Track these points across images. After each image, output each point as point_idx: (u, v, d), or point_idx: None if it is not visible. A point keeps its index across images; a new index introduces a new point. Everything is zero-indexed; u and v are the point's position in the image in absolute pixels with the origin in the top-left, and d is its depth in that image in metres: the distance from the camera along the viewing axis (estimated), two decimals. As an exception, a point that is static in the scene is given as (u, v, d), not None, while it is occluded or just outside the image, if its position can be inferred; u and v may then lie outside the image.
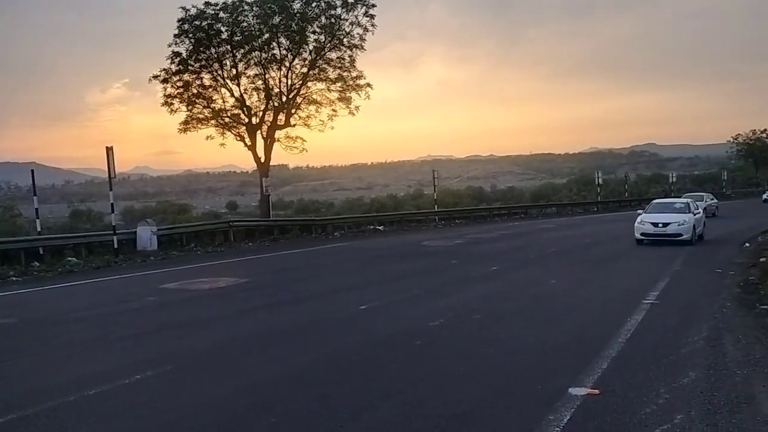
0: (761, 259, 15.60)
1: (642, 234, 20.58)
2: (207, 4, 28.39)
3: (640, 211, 22.47)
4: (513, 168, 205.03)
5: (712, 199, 31.00)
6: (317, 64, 30.35)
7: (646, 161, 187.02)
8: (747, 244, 19.93)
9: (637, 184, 74.48)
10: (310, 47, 30.03)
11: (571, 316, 9.72)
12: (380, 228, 32.34)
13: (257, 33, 29.36)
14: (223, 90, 30.25)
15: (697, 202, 24.34)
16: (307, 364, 7.05)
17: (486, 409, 5.44)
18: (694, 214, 21.11)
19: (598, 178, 53.84)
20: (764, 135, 74.40)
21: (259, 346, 8.03)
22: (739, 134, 76.48)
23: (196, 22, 28.70)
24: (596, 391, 5.78)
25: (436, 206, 38.63)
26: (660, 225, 20.33)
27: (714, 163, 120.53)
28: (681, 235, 20.06)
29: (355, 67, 30.62)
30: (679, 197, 28.68)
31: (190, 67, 29.63)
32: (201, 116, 30.36)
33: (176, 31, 28.80)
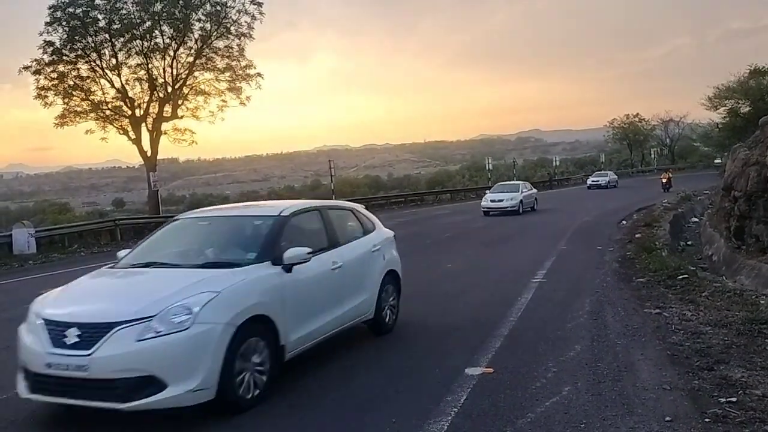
0: (636, 236, 16.83)
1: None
2: (81, -11, 26.67)
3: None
4: (408, 156, 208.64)
5: (530, 189, 29.75)
6: (204, 53, 29.33)
7: (531, 147, 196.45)
8: (623, 222, 21.41)
9: (525, 169, 78.06)
10: (196, 36, 28.99)
11: (465, 298, 10.01)
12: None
13: (138, 21, 27.92)
14: (103, 81, 28.62)
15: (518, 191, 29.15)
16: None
17: (386, 394, 5.47)
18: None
19: (488, 164, 56.05)
20: (636, 119, 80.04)
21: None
22: (614, 119, 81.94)
23: (70, 10, 26.87)
24: (490, 370, 5.97)
25: (333, 196, 38.54)
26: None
27: (593, 146, 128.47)
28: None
29: (244, 56, 29.93)
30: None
31: (65, 58, 27.75)
32: (79, 109, 28.56)
33: (48, 19, 26.87)
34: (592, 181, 51.29)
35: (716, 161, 52.94)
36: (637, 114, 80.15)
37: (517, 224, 22.97)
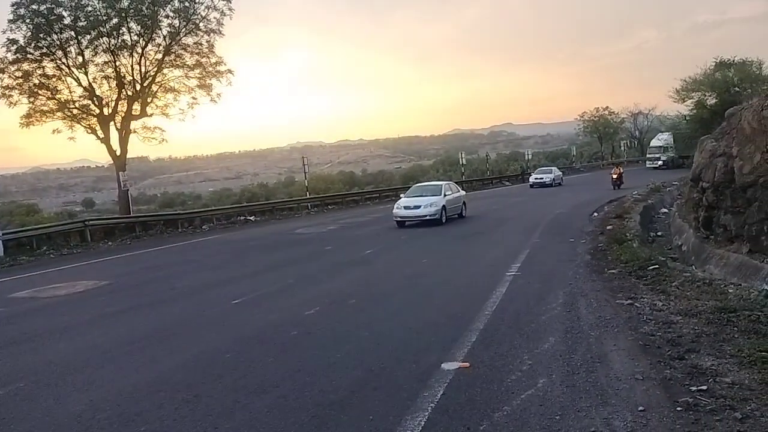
0: (608, 227, 17.06)
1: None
2: (45, -14, 26.06)
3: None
4: (382, 151, 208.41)
5: (458, 191, 24.08)
6: (173, 50, 28.87)
7: (504, 140, 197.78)
8: (595, 214, 21.68)
9: (498, 163, 78.64)
10: (164, 32, 28.51)
11: (442, 293, 10.05)
12: (251, 218, 31.60)
13: (104, 18, 27.37)
14: (69, 79, 27.98)
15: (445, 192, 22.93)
16: (174, 368, 6.69)
17: (363, 392, 5.46)
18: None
19: (461, 158, 56.24)
20: (606, 112, 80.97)
21: (121, 353, 7.51)
22: (584, 112, 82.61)
23: (34, 6, 26.24)
24: (467, 364, 6.00)
25: (308, 193, 38.41)
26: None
27: (564, 140, 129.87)
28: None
29: (214, 52, 29.54)
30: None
31: (29, 56, 27.10)
32: (45, 108, 27.92)
33: (11, 17, 26.22)
34: (535, 178, 45.05)
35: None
36: (607, 107, 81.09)
37: (492, 218, 23.15)
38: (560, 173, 47.01)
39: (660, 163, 58.33)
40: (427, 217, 21.29)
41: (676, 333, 6.65)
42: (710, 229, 13.24)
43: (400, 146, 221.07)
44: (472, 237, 17.90)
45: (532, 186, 43.48)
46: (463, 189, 26.48)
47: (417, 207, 21.53)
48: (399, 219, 21.68)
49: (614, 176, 35.09)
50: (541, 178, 44.19)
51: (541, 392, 5.20)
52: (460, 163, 55.77)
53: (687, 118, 44.18)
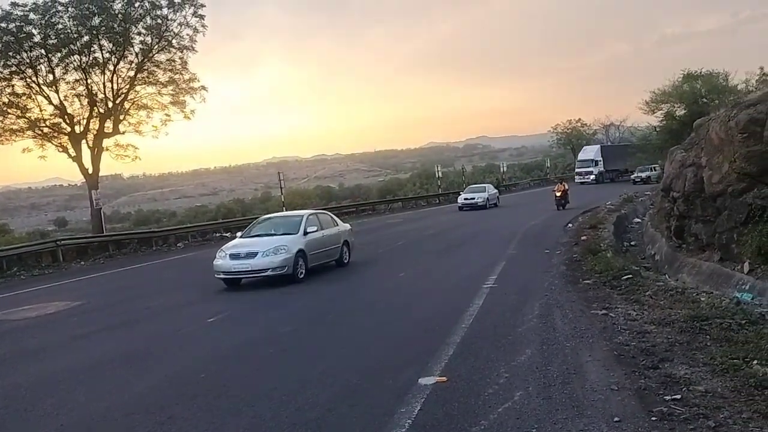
0: (582, 238, 17.24)
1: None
2: (14, 4, 25.75)
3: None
4: (359, 165, 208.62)
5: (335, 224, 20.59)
6: (145, 67, 28.64)
7: (480, 153, 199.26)
8: (569, 225, 21.91)
9: (474, 175, 79.01)
10: (136, 49, 28.27)
11: (419, 307, 10.04)
12: (227, 235, 31.31)
13: (75, 35, 27.06)
14: (40, 98, 27.56)
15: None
16: (148, 389, 6.57)
17: (340, 409, 5.41)
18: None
19: (437, 171, 56.60)
20: (579, 124, 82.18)
21: (94, 375, 7.36)
22: (558, 124, 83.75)
23: (2, 24, 25.87)
24: (444, 379, 5.98)
25: (284, 208, 38.20)
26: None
27: (539, 152, 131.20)
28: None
29: (187, 69, 29.36)
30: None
31: (-2, 74, 26.66)
32: (15, 127, 27.44)
33: (-23, 35, 25.79)
34: (465, 199, 36.37)
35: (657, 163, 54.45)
36: (579, 119, 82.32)
37: (468, 231, 23.26)
38: (495, 192, 39.09)
39: (592, 177, 56.01)
40: (269, 272, 13.14)
41: (650, 342, 6.72)
42: (682, 238, 13.46)
43: (377, 160, 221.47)
44: (447, 250, 17.94)
45: (461, 208, 35.46)
46: (441, 201, 25.78)
47: (252, 255, 13.32)
48: (224, 275, 13.57)
49: (558, 194, 29.50)
50: (472, 199, 35.97)
51: (518, 405, 5.20)
52: (437, 176, 56.07)
53: (657, 129, 44.96)
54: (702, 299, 8.71)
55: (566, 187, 30.19)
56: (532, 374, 5.98)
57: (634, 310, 8.38)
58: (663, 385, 5.43)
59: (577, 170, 58.68)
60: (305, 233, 13.95)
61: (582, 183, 54.67)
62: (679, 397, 5.12)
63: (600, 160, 57.63)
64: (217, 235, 31.20)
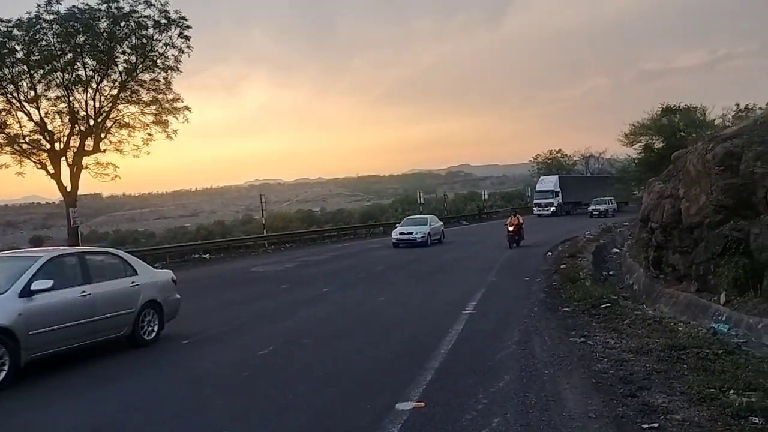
0: (561, 266, 17.33)
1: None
2: (-3, 20, 25.58)
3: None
4: (341, 190, 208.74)
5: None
6: (129, 86, 28.49)
7: (461, 181, 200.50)
8: (549, 253, 22.04)
9: (455, 202, 79.45)
10: (120, 68, 28.13)
11: (398, 332, 9.96)
12: (206, 256, 31.03)
13: (58, 53, 26.91)
14: (20, 114, 27.26)
15: None
16: (120, 411, 6.38)
17: (315, 435, 5.32)
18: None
19: (420, 197, 56.78)
20: (559, 155, 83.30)
21: (64, 396, 7.16)
22: (538, 154, 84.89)
23: (-16, 40, 25.68)
24: (421, 404, 5.91)
25: (265, 231, 38.02)
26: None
27: (519, 181, 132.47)
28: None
29: (171, 89, 29.19)
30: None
31: (-22, 89, 26.38)
32: (-7, 143, 27.06)
33: (-41, 49, 25.55)
34: (401, 234, 29.53)
35: (634, 194, 54.70)
36: (560, 150, 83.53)
37: (449, 257, 23.27)
38: (440, 224, 32.89)
39: (552, 209, 53.65)
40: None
41: (628, 371, 6.72)
42: (660, 268, 13.58)
43: (359, 185, 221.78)
44: (426, 276, 17.90)
45: (396, 245, 28.92)
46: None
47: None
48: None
49: (510, 228, 25.66)
50: (410, 233, 29.36)
51: (496, 431, 5.14)
52: (419, 202, 56.21)
53: (635, 161, 45.62)
54: (679, 329, 8.76)
55: (520, 220, 26.46)
56: (511, 401, 5.94)
57: (613, 338, 8.40)
58: (641, 413, 5.42)
59: (535, 201, 56.43)
60: (27, 293, 7.81)
61: (540, 215, 52.86)
62: (656, 425, 5.11)
63: (559, 191, 55.29)
64: (196, 256, 30.89)
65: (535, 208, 55.26)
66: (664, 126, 39.74)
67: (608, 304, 10.80)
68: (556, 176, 58.95)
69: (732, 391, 5.76)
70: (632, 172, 47.91)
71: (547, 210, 53.60)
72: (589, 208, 50.23)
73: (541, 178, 60.44)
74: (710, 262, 10.88)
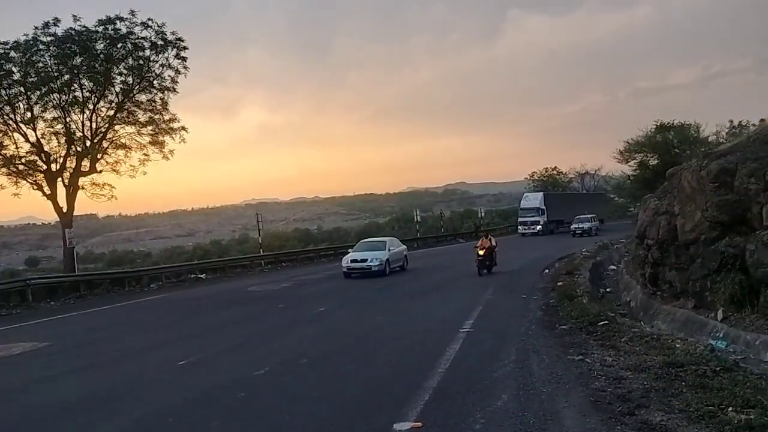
0: (558, 284, 17.31)
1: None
2: (-6, 42, 25.73)
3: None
4: (338, 209, 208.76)
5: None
6: (125, 107, 28.61)
7: (458, 198, 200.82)
8: (546, 271, 22.01)
9: (452, 220, 79.46)
10: (117, 89, 28.27)
11: (395, 351, 9.91)
12: (202, 276, 30.91)
13: (55, 74, 27.06)
14: (16, 135, 27.33)
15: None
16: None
17: (311, 457, 5.27)
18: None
19: (416, 215, 56.86)
20: (555, 172, 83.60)
21: (58, 419, 7.10)
22: (534, 172, 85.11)
23: (-19, 62, 25.82)
24: (419, 424, 5.87)
25: (261, 250, 37.93)
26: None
27: (515, 198, 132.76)
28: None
29: (167, 109, 29.32)
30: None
31: (-26, 111, 26.46)
32: (-11, 164, 27.09)
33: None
34: (353, 261, 24.52)
35: (629, 210, 54.50)
36: (555, 167, 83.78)
37: (444, 275, 23.23)
38: (402, 248, 27.55)
39: (539, 228, 51.55)
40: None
41: (626, 388, 6.69)
42: (657, 285, 13.58)
43: (356, 203, 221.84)
44: (424, 294, 17.86)
45: (347, 275, 24.12)
46: (419, 245, 27.81)
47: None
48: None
49: (480, 252, 21.81)
50: (364, 260, 24.36)
51: (494, 452, 5.11)
52: (415, 220, 56.29)
53: (631, 177, 45.82)
54: (677, 346, 8.74)
55: (493, 243, 22.45)
56: (509, 420, 5.90)
57: (610, 355, 8.37)
58: (639, 431, 5.38)
59: (520, 220, 53.92)
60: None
61: (524, 234, 51.30)
62: (655, 444, 5.07)
63: (545, 209, 53.08)
64: (192, 276, 30.77)
65: (519, 227, 53.35)
66: (659, 143, 40.01)
67: (606, 322, 10.77)
68: (541, 193, 57.19)
69: (730, 409, 5.73)
70: (627, 189, 48.11)
71: (533, 228, 51.66)
72: (572, 227, 48.18)
73: (525, 195, 58.45)
74: (707, 278, 10.89)
